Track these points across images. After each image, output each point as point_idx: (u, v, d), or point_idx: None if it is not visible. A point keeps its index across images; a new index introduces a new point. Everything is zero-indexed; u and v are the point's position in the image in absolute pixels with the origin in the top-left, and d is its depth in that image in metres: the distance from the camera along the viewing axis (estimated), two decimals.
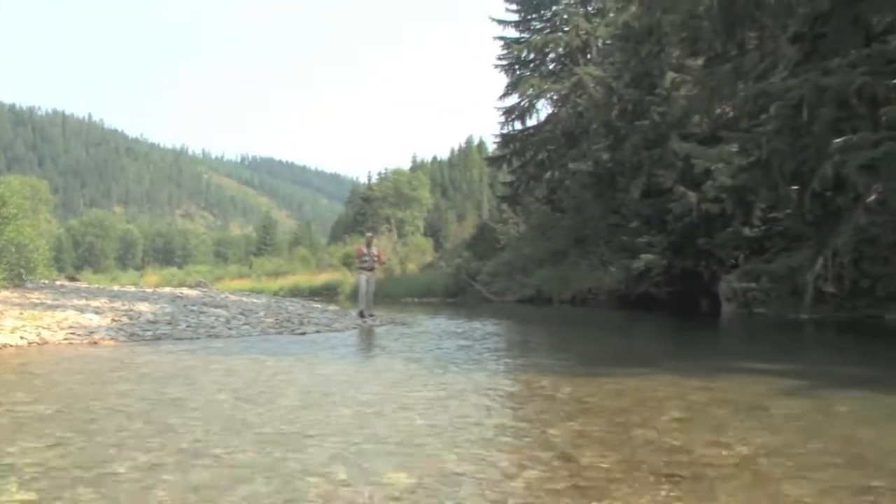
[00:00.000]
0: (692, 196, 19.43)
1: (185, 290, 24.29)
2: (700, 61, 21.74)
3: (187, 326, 13.52)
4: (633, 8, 27.96)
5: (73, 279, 38.01)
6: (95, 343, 11.32)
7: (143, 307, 15.55)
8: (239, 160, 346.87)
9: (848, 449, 4.42)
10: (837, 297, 16.26)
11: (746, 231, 19.77)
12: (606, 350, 11.50)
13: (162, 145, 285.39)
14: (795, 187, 16.89)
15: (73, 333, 11.87)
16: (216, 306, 16.77)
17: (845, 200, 16.26)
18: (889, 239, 15.35)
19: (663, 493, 3.56)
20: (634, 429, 5.02)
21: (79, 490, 3.58)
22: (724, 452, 4.34)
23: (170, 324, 13.66)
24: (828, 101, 15.15)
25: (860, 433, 4.86)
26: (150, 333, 12.48)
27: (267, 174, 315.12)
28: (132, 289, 24.56)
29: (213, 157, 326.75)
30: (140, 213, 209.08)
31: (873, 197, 15.60)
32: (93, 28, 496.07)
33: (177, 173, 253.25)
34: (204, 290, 28.56)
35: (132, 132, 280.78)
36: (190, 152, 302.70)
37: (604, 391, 6.68)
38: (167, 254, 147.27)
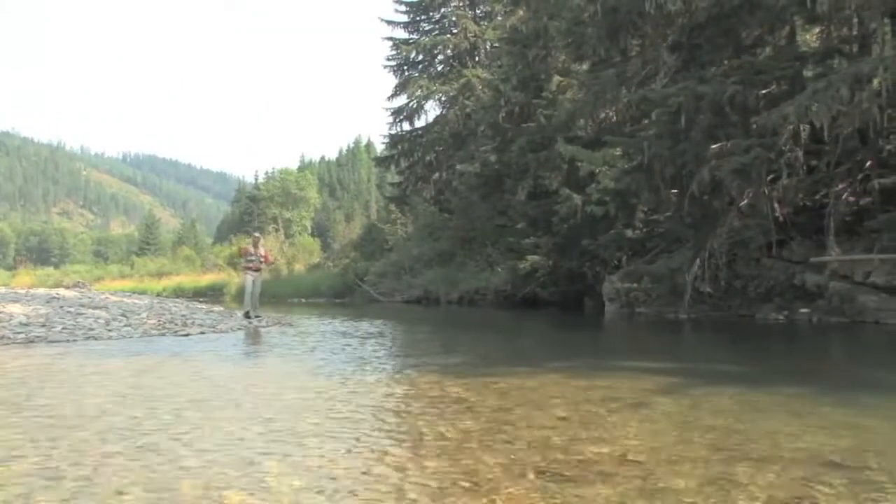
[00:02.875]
0: (577, 198, 19.77)
1: (62, 291, 23.00)
2: (585, 66, 22.22)
3: (63, 328, 12.77)
4: (520, 12, 28.37)
5: None
6: None
7: (14, 308, 14.61)
8: (120, 157, 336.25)
9: (724, 442, 4.51)
10: (713, 296, 16.84)
11: (629, 233, 20.27)
12: (492, 350, 11.49)
13: (36, 140, 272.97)
14: (675, 191, 17.41)
15: None
16: (95, 307, 15.97)
17: (721, 204, 16.87)
18: (759, 241, 16.01)
19: (548, 491, 3.52)
20: (519, 428, 4.98)
21: None
22: (606, 449, 4.34)
23: (44, 326, 12.87)
24: (704, 109, 15.69)
25: (734, 426, 4.98)
26: (21, 336, 11.71)
27: (150, 171, 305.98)
28: (2, 290, 23.12)
29: (93, 153, 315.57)
30: (12, 210, 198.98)
31: (745, 201, 16.26)
32: None
33: (53, 169, 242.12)
34: (82, 290, 27.19)
35: (2, 125, 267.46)
36: (67, 148, 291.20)
37: (489, 391, 6.63)
38: (42, 253, 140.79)
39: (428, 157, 38.59)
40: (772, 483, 3.59)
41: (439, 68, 38.71)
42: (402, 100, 38.61)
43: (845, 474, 3.76)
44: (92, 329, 12.95)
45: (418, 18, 38.66)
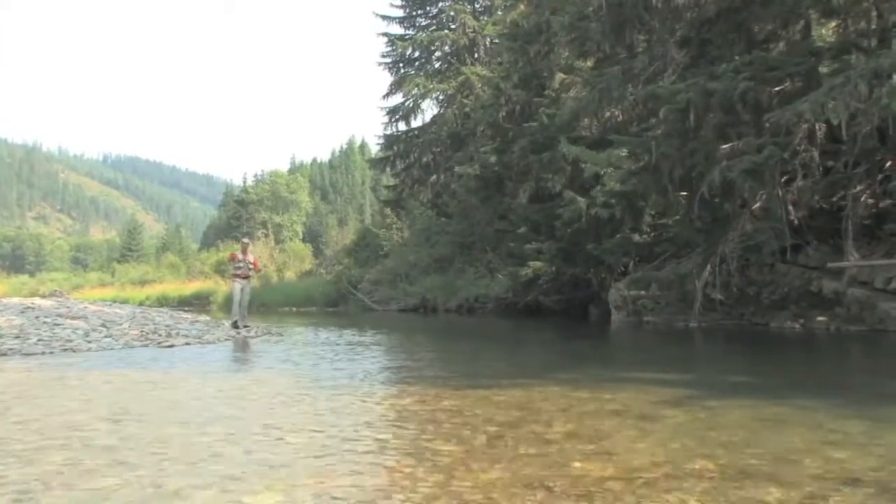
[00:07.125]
0: (581, 201, 19.70)
1: (38, 301, 23.00)
2: (589, 63, 22.24)
3: (39, 340, 12.75)
4: (521, 7, 28.44)
5: None
6: None
7: None
8: (101, 159, 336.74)
9: (737, 457, 4.48)
10: (725, 304, 16.81)
11: (636, 237, 20.18)
12: (493, 361, 11.44)
13: (10, 140, 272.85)
14: (684, 193, 17.40)
15: None
16: (73, 317, 15.95)
17: (732, 207, 16.84)
18: (773, 246, 15.95)
19: None
20: (521, 443, 4.95)
21: None
22: (611, 464, 4.32)
23: (18, 338, 12.84)
24: (714, 106, 15.68)
25: (748, 441, 4.95)
26: None
27: (132, 174, 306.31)
28: None
29: (72, 154, 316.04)
30: None
31: (758, 204, 16.23)
32: None
33: (28, 172, 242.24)
34: (60, 299, 27.19)
35: None
36: (44, 149, 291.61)
37: (489, 404, 6.60)
38: (17, 260, 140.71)
39: (425, 159, 38.62)
40: (789, 501, 3.56)
41: (437, 65, 38.79)
42: (397, 98, 38.74)
43: (868, 492, 3.73)
44: (70, 340, 12.91)
45: (414, 13, 38.76)
